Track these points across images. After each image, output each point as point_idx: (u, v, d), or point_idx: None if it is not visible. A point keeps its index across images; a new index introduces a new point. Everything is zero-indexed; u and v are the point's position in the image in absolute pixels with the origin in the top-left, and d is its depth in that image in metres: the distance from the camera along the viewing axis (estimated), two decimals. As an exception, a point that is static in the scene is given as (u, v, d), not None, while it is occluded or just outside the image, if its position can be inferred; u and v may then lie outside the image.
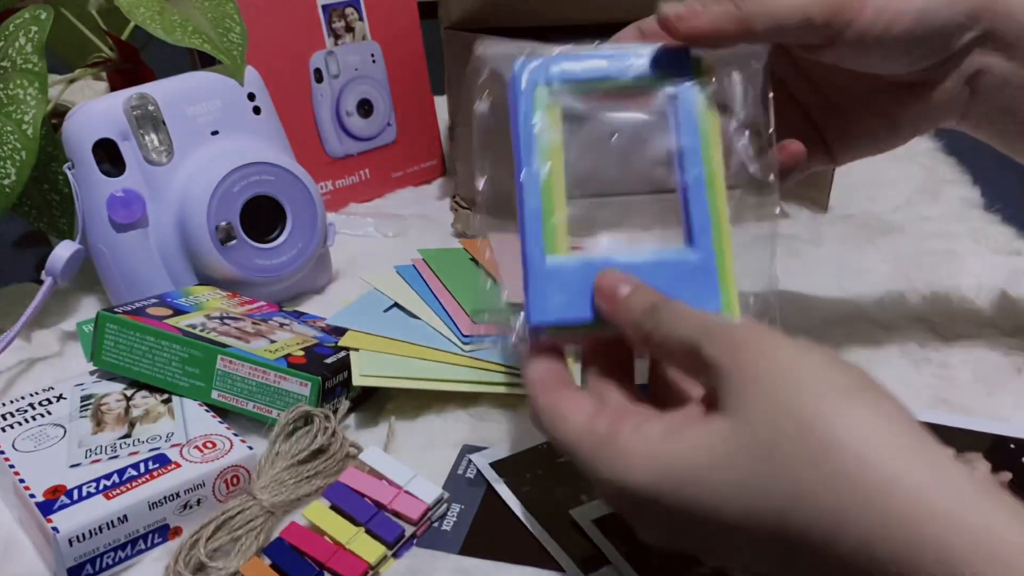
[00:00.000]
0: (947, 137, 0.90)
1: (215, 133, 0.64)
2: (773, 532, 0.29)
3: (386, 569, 0.43)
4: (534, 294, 0.40)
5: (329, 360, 0.53)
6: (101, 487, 0.44)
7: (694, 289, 0.40)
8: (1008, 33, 0.46)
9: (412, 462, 0.48)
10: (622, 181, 0.44)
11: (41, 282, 0.60)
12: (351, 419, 0.54)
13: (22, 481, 0.45)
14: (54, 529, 0.41)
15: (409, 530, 0.44)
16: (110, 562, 0.43)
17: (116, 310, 0.54)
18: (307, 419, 0.49)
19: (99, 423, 0.50)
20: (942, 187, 0.82)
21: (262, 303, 0.62)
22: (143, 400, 0.52)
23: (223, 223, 0.61)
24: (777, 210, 0.44)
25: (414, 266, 0.64)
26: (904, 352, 0.58)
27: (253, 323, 0.57)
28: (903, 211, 0.78)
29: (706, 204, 0.41)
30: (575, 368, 0.41)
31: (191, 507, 0.45)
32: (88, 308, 0.67)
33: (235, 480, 0.47)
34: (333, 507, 0.45)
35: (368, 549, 0.43)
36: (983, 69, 0.47)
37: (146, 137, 0.61)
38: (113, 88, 0.74)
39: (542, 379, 0.39)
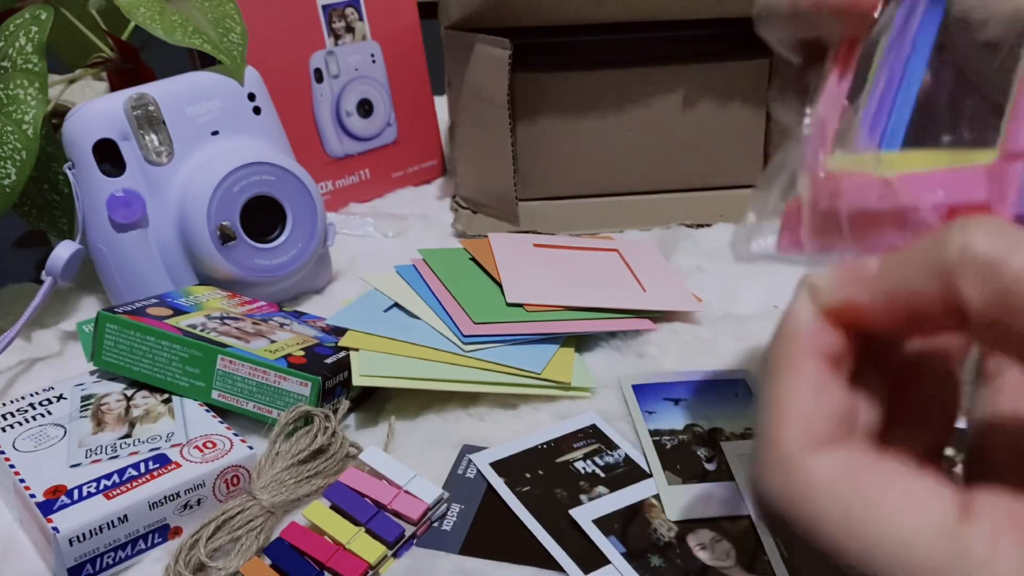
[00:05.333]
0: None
1: (215, 133, 0.64)
2: None
3: (386, 569, 0.43)
4: None
5: (329, 360, 0.53)
6: (101, 487, 0.44)
7: None
8: None
9: (412, 462, 0.48)
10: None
11: (41, 282, 0.60)
12: (351, 419, 0.54)
13: (22, 481, 0.45)
14: (54, 529, 0.41)
15: (409, 530, 0.44)
16: (110, 562, 0.43)
17: (116, 310, 0.54)
18: (307, 419, 0.49)
19: (99, 423, 0.50)
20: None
21: (262, 303, 0.62)
22: (143, 400, 0.52)
23: (223, 223, 0.61)
24: None
25: (414, 266, 0.64)
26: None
27: (253, 323, 0.57)
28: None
29: None
30: None
31: (191, 507, 0.45)
32: (88, 308, 0.67)
33: (235, 480, 0.47)
34: (333, 507, 0.45)
35: (368, 549, 0.43)
36: None
37: (146, 137, 0.61)
38: (113, 88, 0.74)
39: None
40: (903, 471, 0.21)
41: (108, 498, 0.43)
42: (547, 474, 0.48)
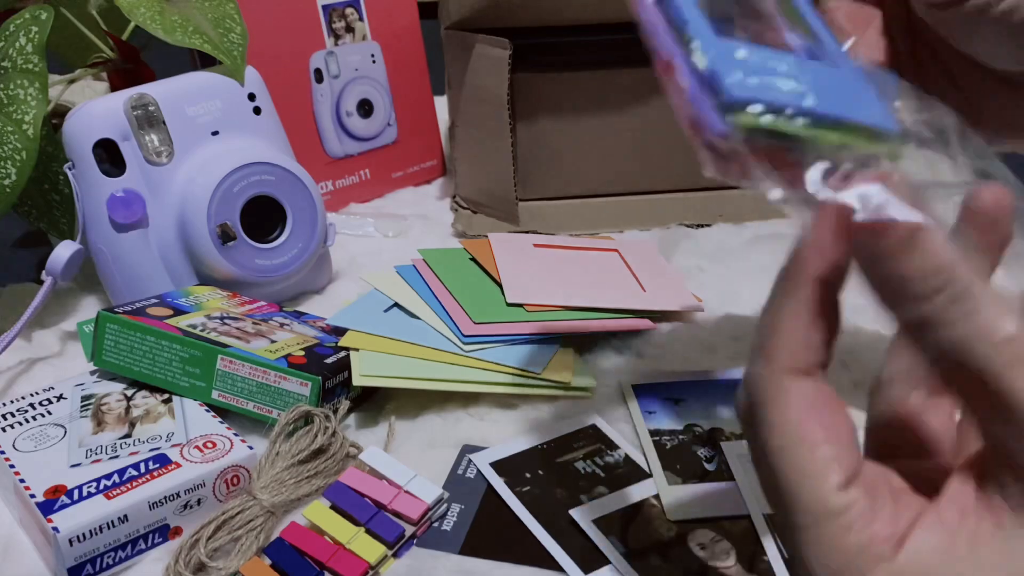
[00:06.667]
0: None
1: (215, 133, 0.64)
2: None
3: (386, 569, 0.43)
4: (721, 57, 0.26)
5: (329, 360, 0.53)
6: (101, 487, 0.44)
7: (866, 110, 0.28)
8: None
9: (412, 462, 0.48)
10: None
11: (41, 282, 0.60)
12: (351, 419, 0.54)
13: (22, 481, 0.45)
14: (54, 529, 0.41)
15: (409, 530, 0.44)
16: (110, 562, 0.43)
17: (116, 310, 0.54)
18: (307, 419, 0.49)
19: (99, 423, 0.50)
20: (941, 188, 0.82)
21: (262, 303, 0.62)
22: (143, 400, 0.52)
23: (223, 223, 0.61)
24: None
25: (414, 266, 0.64)
26: (904, 352, 0.58)
27: (253, 323, 0.57)
28: (903, 211, 0.77)
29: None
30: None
31: (191, 507, 0.45)
32: (88, 308, 0.67)
33: (235, 480, 0.47)
34: (333, 507, 0.45)
35: (368, 549, 0.43)
36: None
37: (146, 137, 0.61)
38: (113, 88, 0.74)
39: (801, 391, 0.26)
40: (834, 424, 0.26)
41: (108, 498, 0.43)
42: (547, 474, 0.48)
